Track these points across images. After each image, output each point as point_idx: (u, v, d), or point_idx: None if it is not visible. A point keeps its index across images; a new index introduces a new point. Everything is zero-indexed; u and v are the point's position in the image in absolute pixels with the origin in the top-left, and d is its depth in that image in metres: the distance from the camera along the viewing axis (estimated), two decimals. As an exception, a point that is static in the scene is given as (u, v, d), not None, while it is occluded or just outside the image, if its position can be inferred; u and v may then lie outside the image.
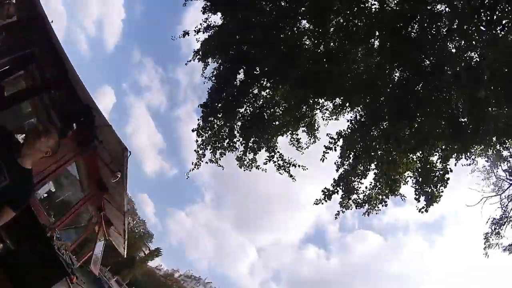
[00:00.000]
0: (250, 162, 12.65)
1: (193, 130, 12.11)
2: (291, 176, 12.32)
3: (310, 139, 13.26)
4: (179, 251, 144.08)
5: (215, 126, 12.17)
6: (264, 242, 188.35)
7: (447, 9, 10.13)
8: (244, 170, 12.81)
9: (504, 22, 8.95)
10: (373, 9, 10.89)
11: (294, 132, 12.97)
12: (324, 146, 11.04)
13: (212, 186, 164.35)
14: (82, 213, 12.10)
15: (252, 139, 12.14)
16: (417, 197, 10.49)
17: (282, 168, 12.25)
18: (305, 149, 13.14)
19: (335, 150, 11.02)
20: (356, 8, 11.04)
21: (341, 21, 11.31)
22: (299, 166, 12.27)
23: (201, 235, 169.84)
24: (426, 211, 10.31)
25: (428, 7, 10.17)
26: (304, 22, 11.91)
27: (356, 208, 11.38)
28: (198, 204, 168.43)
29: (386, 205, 11.27)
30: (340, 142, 11.03)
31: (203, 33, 12.42)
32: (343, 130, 11.23)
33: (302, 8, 11.63)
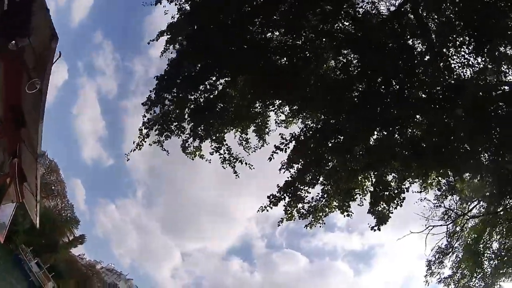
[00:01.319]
0: (194, 149, 12.14)
1: (143, 104, 11.40)
2: (235, 172, 11.97)
3: (258, 142, 12.88)
4: (104, 243, 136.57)
5: (166, 105, 11.52)
6: (190, 247, 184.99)
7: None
8: (189, 157, 12.27)
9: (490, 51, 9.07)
10: (357, 18, 10.86)
11: (243, 131, 12.59)
12: (275, 145, 10.73)
13: (146, 183, 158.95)
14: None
15: (201, 126, 11.53)
16: (369, 212, 10.40)
17: (227, 161, 11.92)
18: (252, 151, 12.74)
19: (285, 151, 10.70)
20: (336, 13, 10.95)
21: (316, 21, 11.09)
22: (246, 163, 11.95)
23: (128, 231, 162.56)
24: (379, 229, 10.23)
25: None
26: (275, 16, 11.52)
27: (300, 219, 11.03)
28: (130, 199, 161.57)
29: (323, 222, 11.27)
30: (291, 146, 10.77)
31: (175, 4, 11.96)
32: (297, 133, 10.99)
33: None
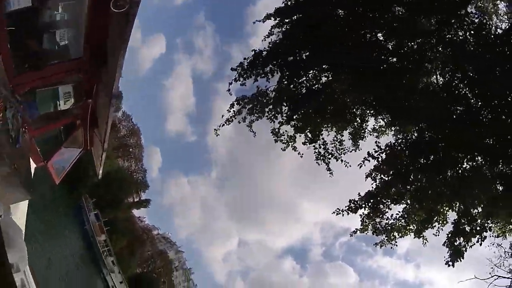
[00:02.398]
0: (288, 139, 11.91)
1: (232, 69, 11.51)
2: (329, 169, 11.70)
3: (352, 145, 12.36)
4: (167, 212, 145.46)
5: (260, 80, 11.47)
6: (249, 237, 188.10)
7: None
8: (280, 143, 12.08)
9: None
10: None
11: (340, 131, 12.15)
12: (368, 152, 10.52)
13: (222, 165, 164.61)
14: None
15: (298, 114, 11.44)
16: (446, 244, 9.99)
17: (321, 157, 11.68)
18: (344, 153, 12.15)
19: (378, 160, 10.50)
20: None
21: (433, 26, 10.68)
22: (342, 160, 11.62)
23: (193, 207, 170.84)
24: (453, 265, 9.71)
25: None
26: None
27: (373, 234, 10.86)
28: (203, 177, 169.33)
29: (395, 244, 11.01)
30: (384, 156, 10.52)
31: None
32: (392, 143, 10.80)
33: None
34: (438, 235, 10.61)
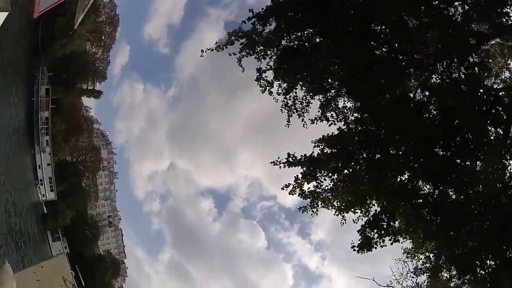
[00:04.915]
0: (267, 83, 12.13)
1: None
2: (288, 121, 12.21)
3: (319, 112, 12.73)
4: (113, 112, 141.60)
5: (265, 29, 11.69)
6: (180, 164, 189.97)
7: None
8: (258, 86, 12.40)
9: None
10: None
11: (313, 94, 12.41)
12: (325, 117, 11.85)
13: (183, 87, 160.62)
14: None
15: (285, 65, 11.71)
16: (360, 231, 10.98)
17: (287, 108, 12.07)
18: (306, 112, 12.57)
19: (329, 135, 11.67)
20: None
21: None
22: (302, 119, 12.02)
23: (139, 115, 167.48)
24: (358, 251, 10.80)
25: None
26: None
27: (299, 196, 11.66)
28: (160, 91, 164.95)
29: (316, 213, 12.05)
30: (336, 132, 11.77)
31: None
32: (351, 121, 12.02)
33: None
34: (357, 222, 11.38)
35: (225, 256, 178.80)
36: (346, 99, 12.49)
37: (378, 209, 11.34)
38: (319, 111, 12.37)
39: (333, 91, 12.31)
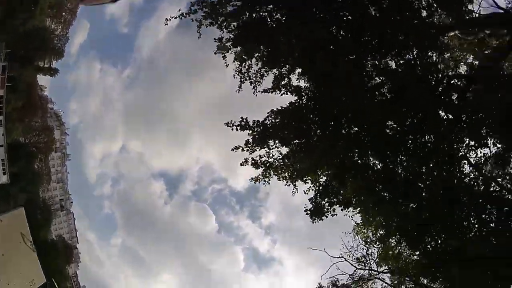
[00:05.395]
0: (223, 48, 12.63)
1: None
2: (239, 87, 12.81)
3: (272, 87, 13.22)
4: (68, 92, 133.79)
5: None
6: (133, 145, 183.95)
7: None
8: (216, 52, 12.87)
9: None
10: None
11: (268, 69, 12.94)
12: (279, 85, 12.63)
13: (140, 67, 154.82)
14: None
15: (243, 35, 12.23)
16: (312, 200, 11.84)
17: (241, 74, 12.66)
18: (259, 84, 13.21)
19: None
20: None
21: None
22: (254, 88, 12.70)
23: (94, 95, 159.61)
24: (311, 216, 11.70)
25: None
26: None
27: (252, 166, 12.28)
28: (116, 70, 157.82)
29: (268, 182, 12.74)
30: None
31: None
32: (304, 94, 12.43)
33: None
34: (307, 193, 12.04)
35: (176, 239, 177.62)
36: (299, 77, 13.03)
37: (328, 179, 12.09)
38: (273, 83, 12.95)
39: (287, 66, 12.85)
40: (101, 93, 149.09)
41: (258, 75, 12.82)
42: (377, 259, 15.25)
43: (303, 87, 12.76)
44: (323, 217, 11.86)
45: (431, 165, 11.69)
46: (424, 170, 11.75)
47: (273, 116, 12.07)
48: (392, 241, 13.05)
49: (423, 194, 11.71)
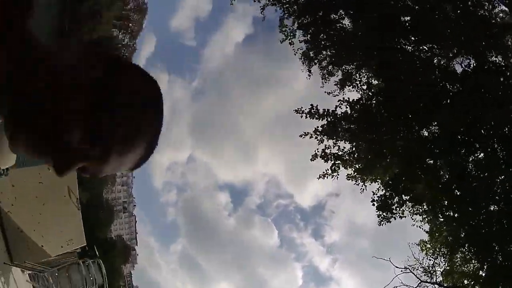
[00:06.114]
0: (290, 32, 12.97)
1: None
2: (309, 71, 13.13)
3: (339, 85, 13.31)
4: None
5: None
6: (200, 156, 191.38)
7: None
8: (280, 36, 13.17)
9: None
10: None
11: (334, 66, 13.01)
12: (345, 81, 12.79)
13: (207, 79, 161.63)
14: None
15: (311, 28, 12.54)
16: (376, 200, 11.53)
17: (308, 59, 12.86)
18: (326, 80, 13.42)
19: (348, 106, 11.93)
20: None
21: None
22: (324, 81, 13.12)
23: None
24: (378, 208, 11.27)
25: None
26: None
27: (322, 159, 11.94)
28: (184, 82, 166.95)
29: (337, 175, 12.23)
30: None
31: None
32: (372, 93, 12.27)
33: None
34: (376, 194, 11.77)
35: (236, 251, 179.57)
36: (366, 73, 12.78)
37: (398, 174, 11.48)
38: (340, 80, 12.84)
39: (354, 64, 12.68)
40: (169, 103, 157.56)
41: (326, 70, 12.99)
42: (443, 272, 13.98)
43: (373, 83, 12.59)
44: (390, 217, 11.25)
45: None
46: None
47: (343, 105, 12.05)
48: (459, 253, 12.25)
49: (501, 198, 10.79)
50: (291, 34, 12.82)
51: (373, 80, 12.57)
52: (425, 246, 14.10)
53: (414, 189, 10.96)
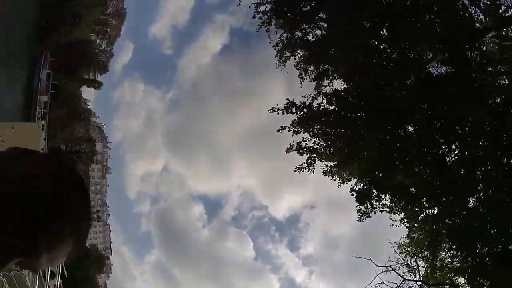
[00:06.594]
0: (266, 21, 12.98)
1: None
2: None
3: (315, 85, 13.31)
4: (110, 109, 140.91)
5: None
6: (174, 167, 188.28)
7: None
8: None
9: None
10: None
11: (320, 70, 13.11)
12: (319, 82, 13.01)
13: (183, 90, 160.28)
14: None
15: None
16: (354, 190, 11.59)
17: (279, 54, 13.06)
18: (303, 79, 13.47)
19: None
20: None
21: None
22: (301, 82, 13.12)
23: (137, 115, 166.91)
24: (358, 201, 11.28)
25: None
26: None
27: (296, 151, 11.96)
28: (159, 92, 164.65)
29: (313, 169, 12.19)
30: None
31: None
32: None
33: None
34: (354, 189, 11.76)
35: (211, 263, 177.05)
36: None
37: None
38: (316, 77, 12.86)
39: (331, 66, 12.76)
40: (144, 113, 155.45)
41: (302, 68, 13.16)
42: (426, 271, 14.05)
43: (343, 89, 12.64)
44: (370, 211, 11.34)
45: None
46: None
47: (318, 98, 12.28)
48: (442, 251, 12.38)
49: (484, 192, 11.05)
50: (267, 21, 12.77)
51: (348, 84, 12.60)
52: (405, 249, 14.05)
53: (393, 178, 11.07)
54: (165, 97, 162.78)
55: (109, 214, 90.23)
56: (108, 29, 61.64)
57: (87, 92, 68.59)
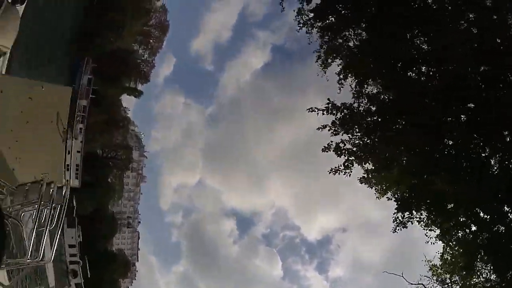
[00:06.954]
0: (306, 20, 12.94)
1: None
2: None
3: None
4: (150, 120, 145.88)
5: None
6: (209, 181, 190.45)
7: None
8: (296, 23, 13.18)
9: None
10: None
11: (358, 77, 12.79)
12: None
13: (223, 106, 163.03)
14: None
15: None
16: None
17: (322, 61, 12.74)
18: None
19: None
20: None
21: None
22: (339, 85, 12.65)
23: (176, 127, 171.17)
24: (399, 210, 11.03)
25: None
26: None
27: (334, 152, 11.70)
28: (199, 107, 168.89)
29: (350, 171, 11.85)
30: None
31: None
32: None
33: None
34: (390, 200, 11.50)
35: (238, 279, 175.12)
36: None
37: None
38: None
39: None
40: (183, 126, 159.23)
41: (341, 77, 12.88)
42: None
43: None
44: (407, 220, 11.05)
45: None
46: None
47: (359, 100, 12.03)
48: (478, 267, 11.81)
49: None
50: (308, 23, 12.64)
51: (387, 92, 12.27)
52: (436, 271, 13.78)
53: (432, 184, 10.47)
54: (204, 112, 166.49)
55: (139, 222, 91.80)
56: (151, 40, 63.86)
57: (127, 101, 71.18)
